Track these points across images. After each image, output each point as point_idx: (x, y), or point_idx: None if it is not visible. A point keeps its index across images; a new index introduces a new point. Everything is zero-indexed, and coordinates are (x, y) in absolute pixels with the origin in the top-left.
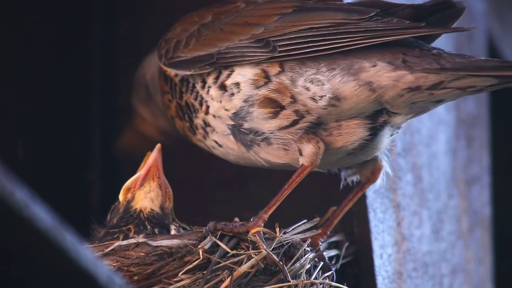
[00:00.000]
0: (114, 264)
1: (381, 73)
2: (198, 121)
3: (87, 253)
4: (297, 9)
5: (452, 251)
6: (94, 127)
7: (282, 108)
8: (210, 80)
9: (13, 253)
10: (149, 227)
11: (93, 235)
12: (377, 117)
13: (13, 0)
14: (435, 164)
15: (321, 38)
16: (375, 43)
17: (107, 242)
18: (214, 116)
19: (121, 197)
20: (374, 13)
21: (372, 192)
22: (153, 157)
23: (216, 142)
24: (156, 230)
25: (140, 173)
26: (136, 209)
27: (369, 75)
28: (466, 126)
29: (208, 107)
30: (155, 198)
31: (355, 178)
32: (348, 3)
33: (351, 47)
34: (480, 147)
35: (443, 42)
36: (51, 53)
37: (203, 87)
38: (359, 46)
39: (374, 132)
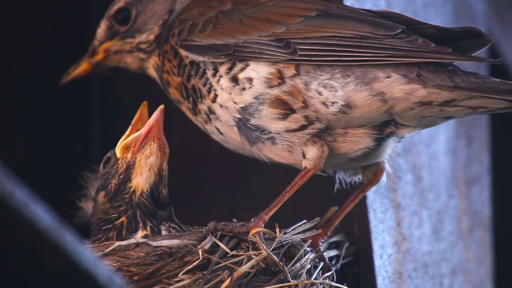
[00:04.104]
0: (114, 264)
1: (394, 85)
2: (203, 107)
3: (87, 253)
4: (321, 13)
5: (452, 251)
6: (94, 127)
7: (293, 111)
8: (222, 69)
9: (13, 253)
10: (140, 222)
11: (84, 184)
12: (385, 128)
13: (13, 0)
14: (435, 164)
15: (344, 49)
16: (398, 62)
17: (106, 243)
18: (221, 105)
19: (118, 153)
20: (400, 30)
21: (372, 192)
22: (155, 117)
23: (218, 130)
24: (148, 226)
25: (141, 132)
26: (131, 187)
27: (382, 85)
28: (466, 126)
29: (216, 96)
30: (154, 163)
31: (356, 178)
32: (370, 11)
33: (373, 62)
34: (480, 147)
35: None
36: (51, 53)
37: (214, 75)
38: (381, 62)
39: (380, 142)
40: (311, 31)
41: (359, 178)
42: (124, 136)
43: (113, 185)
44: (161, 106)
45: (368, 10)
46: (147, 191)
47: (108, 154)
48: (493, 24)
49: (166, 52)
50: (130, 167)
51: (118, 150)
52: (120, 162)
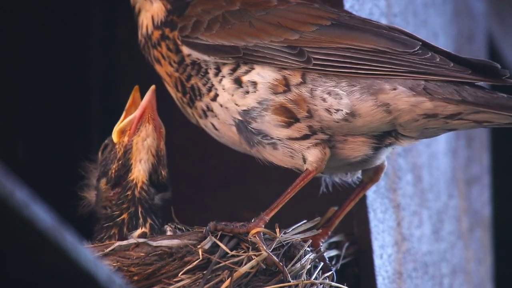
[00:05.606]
0: (114, 264)
1: (400, 97)
2: (201, 104)
3: (87, 253)
4: (336, 23)
5: (452, 251)
6: (94, 127)
7: (297, 120)
8: (225, 70)
9: (13, 253)
10: (141, 218)
11: (85, 174)
12: (384, 138)
13: (13, 0)
14: (435, 164)
15: (361, 62)
16: (415, 79)
17: (107, 242)
18: (221, 105)
19: (115, 138)
20: (418, 47)
21: (372, 192)
22: (148, 98)
23: (213, 125)
24: (148, 223)
25: (135, 114)
26: (132, 179)
27: (388, 97)
28: None
29: (217, 95)
30: (151, 145)
31: (355, 178)
32: (390, 27)
33: (391, 76)
34: (480, 147)
35: (443, 44)
36: (51, 53)
37: (216, 74)
38: (400, 77)
39: (378, 151)
40: (326, 41)
41: (358, 177)
42: (119, 121)
43: (113, 170)
44: (153, 86)
45: (390, 27)
46: (147, 180)
47: (106, 141)
48: (493, 24)
49: (167, 37)
50: (128, 151)
51: (114, 135)
52: (117, 146)
